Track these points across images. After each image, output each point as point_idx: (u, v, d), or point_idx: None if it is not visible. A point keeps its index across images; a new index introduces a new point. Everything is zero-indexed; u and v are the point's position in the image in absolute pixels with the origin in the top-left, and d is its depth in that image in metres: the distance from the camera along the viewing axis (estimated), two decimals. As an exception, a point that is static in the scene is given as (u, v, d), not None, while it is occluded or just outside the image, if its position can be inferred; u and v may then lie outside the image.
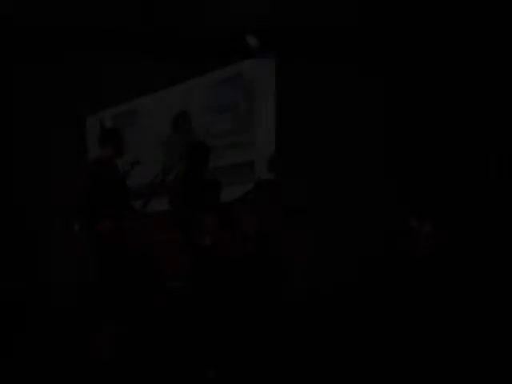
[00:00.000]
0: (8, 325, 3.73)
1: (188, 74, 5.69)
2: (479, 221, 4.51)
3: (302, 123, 5.37)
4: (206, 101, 5.74)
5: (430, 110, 5.13)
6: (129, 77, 5.52)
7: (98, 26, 5.03)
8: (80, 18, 4.88)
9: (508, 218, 4.37)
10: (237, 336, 3.43)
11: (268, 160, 4.86)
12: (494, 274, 4.12)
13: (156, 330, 3.50)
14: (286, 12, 4.80)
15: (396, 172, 5.38)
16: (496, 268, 4.15)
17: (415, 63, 5.23)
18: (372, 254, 4.91)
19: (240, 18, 4.86)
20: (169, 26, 5.06)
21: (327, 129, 5.31)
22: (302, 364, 2.97)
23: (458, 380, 2.70)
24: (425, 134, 5.15)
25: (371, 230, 5.04)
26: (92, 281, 4.15)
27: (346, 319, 3.80)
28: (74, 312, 4.07)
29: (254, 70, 5.51)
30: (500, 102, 4.59)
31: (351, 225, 5.13)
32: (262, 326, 3.62)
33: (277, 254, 4.44)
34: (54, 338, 3.56)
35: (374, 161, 5.33)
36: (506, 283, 3.95)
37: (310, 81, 5.36)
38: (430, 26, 4.91)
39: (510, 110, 4.51)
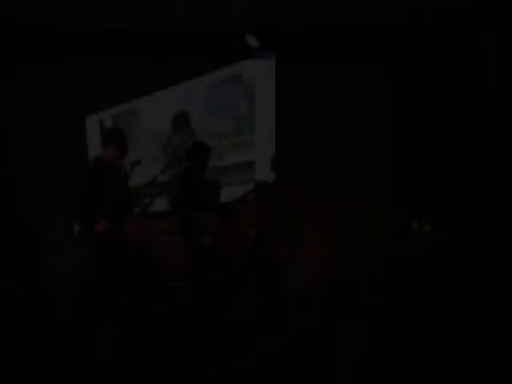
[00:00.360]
0: (8, 325, 3.73)
1: (188, 74, 5.69)
2: (479, 221, 4.51)
3: (302, 123, 5.38)
4: (206, 101, 5.73)
5: (430, 110, 5.13)
6: (129, 77, 5.51)
7: (98, 26, 5.03)
8: (80, 18, 4.88)
9: (508, 219, 4.36)
10: (237, 336, 3.42)
11: (271, 159, 4.87)
12: (494, 274, 4.12)
13: (156, 330, 3.50)
14: (286, 12, 4.80)
15: (396, 172, 5.38)
16: (496, 268, 4.15)
17: (416, 63, 5.23)
18: (372, 254, 4.91)
19: (240, 17, 4.86)
20: (169, 26, 5.05)
21: (327, 129, 5.32)
22: (301, 363, 2.97)
23: (458, 380, 2.70)
24: (425, 134, 5.15)
25: (371, 230, 5.04)
26: (92, 281, 4.15)
27: (346, 319, 3.79)
28: (74, 312, 4.07)
29: (254, 70, 5.51)
30: (500, 102, 4.59)
31: (351, 225, 5.14)
32: (262, 326, 3.62)
33: (276, 254, 4.44)
34: (54, 338, 3.56)
35: (374, 161, 5.34)
36: (506, 283, 3.95)
37: (310, 81, 5.36)
38: (429, 27, 4.91)
39: (510, 111, 4.51)
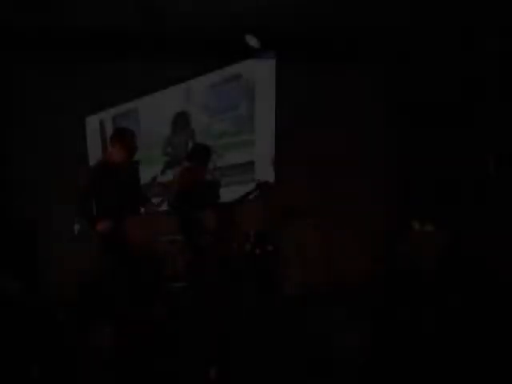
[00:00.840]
0: (8, 325, 3.73)
1: (188, 74, 5.69)
2: (480, 220, 4.51)
3: (301, 123, 5.38)
4: (206, 101, 5.74)
5: (430, 110, 5.13)
6: (129, 77, 5.52)
7: (98, 26, 5.03)
8: (80, 18, 4.88)
9: (508, 218, 4.36)
10: (237, 335, 3.43)
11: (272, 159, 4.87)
12: (496, 273, 4.12)
13: (156, 330, 3.50)
14: (286, 12, 4.80)
15: (396, 172, 5.38)
16: (497, 268, 4.15)
17: (415, 63, 5.23)
18: (372, 253, 4.91)
19: (240, 17, 4.86)
20: (169, 26, 5.05)
21: (327, 129, 5.31)
22: (301, 363, 2.97)
23: (458, 380, 2.70)
24: (425, 134, 5.15)
25: (371, 230, 5.04)
26: (92, 281, 4.15)
27: (346, 319, 3.79)
28: (74, 312, 4.07)
29: (254, 69, 5.51)
30: (500, 102, 4.59)
31: (351, 225, 5.14)
32: (263, 325, 3.62)
33: (276, 254, 4.44)
34: (54, 338, 3.56)
35: (374, 161, 5.34)
36: (507, 284, 3.94)
37: (310, 81, 5.36)
38: (429, 27, 4.91)
39: (510, 111, 4.51)
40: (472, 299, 3.80)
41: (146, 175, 4.46)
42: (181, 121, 5.88)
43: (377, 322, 3.63)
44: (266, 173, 5.22)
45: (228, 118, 5.66)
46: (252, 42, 5.15)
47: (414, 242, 4.52)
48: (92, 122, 6.11)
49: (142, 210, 3.72)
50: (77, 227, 5.39)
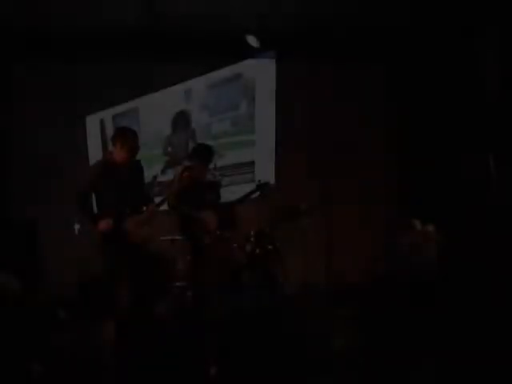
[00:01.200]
0: (8, 324, 3.73)
1: (188, 74, 5.69)
2: (481, 220, 4.51)
3: (301, 123, 5.38)
4: (206, 101, 5.74)
5: (430, 110, 5.13)
6: (129, 77, 5.52)
7: (98, 26, 5.03)
8: (80, 18, 4.89)
9: (508, 218, 4.36)
10: (237, 335, 3.43)
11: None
12: (497, 274, 4.12)
13: (157, 329, 3.50)
14: (286, 12, 4.80)
15: (396, 172, 5.38)
16: (499, 268, 4.14)
17: (415, 64, 5.23)
18: (372, 253, 4.91)
19: (240, 17, 4.87)
20: (169, 26, 5.06)
21: (327, 129, 5.32)
22: (300, 363, 2.97)
23: (458, 379, 2.70)
24: (425, 134, 5.15)
25: (371, 230, 5.04)
26: (92, 280, 4.15)
27: (346, 319, 3.79)
28: (74, 311, 4.07)
29: (254, 70, 5.51)
30: (500, 102, 4.59)
31: (351, 224, 5.14)
32: (263, 325, 3.62)
33: (276, 254, 4.43)
34: (54, 338, 3.56)
35: (375, 161, 5.34)
36: (508, 284, 3.94)
37: (310, 81, 5.36)
38: (429, 27, 4.91)
39: (510, 112, 4.51)
40: (472, 299, 3.80)
41: (146, 175, 4.46)
42: (181, 121, 5.88)
43: (377, 322, 3.63)
44: (266, 173, 5.22)
45: (228, 117, 5.66)
46: (252, 42, 5.15)
47: (413, 242, 4.52)
48: (92, 122, 6.11)
49: (144, 209, 3.70)
50: (77, 227, 5.39)
